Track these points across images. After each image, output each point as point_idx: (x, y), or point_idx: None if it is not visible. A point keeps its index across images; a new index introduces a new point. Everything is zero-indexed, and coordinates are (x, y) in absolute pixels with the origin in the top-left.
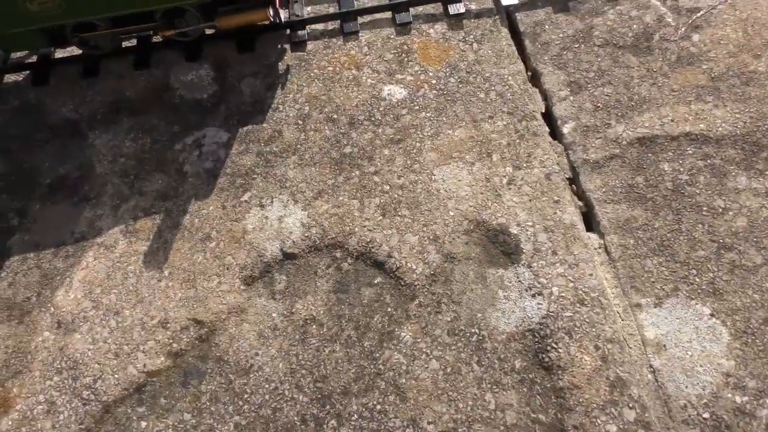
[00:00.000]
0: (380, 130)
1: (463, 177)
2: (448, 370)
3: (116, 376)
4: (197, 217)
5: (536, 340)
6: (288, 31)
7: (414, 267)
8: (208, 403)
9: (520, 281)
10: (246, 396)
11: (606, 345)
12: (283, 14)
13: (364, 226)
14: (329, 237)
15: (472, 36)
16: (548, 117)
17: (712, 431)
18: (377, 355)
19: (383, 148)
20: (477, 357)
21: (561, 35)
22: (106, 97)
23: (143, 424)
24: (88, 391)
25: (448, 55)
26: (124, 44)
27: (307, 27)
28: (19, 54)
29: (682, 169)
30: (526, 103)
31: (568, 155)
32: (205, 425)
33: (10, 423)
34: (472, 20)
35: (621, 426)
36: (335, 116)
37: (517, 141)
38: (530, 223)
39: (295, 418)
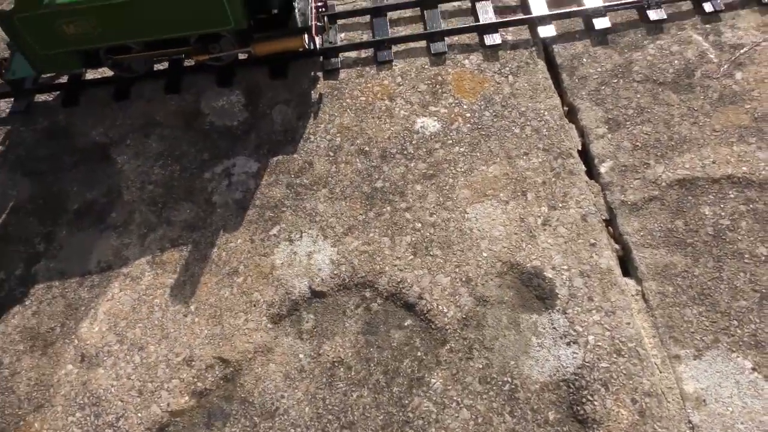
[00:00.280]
0: (413, 165)
1: (496, 216)
2: (479, 420)
3: (139, 414)
4: (225, 250)
5: (571, 391)
6: (321, 58)
7: (445, 310)
8: None
9: (554, 328)
10: None
11: (644, 398)
12: (317, 41)
13: (395, 266)
14: (359, 275)
15: (507, 68)
16: (585, 155)
17: None
18: (406, 401)
19: (415, 184)
20: (509, 407)
21: (599, 69)
22: (136, 121)
23: None
24: (110, 429)
25: (483, 88)
26: (156, 67)
27: (340, 54)
28: (48, 74)
29: (723, 214)
30: (562, 140)
31: (605, 196)
32: None
33: None
34: (508, 51)
35: None
36: (367, 148)
37: (553, 179)
38: (566, 267)
39: None
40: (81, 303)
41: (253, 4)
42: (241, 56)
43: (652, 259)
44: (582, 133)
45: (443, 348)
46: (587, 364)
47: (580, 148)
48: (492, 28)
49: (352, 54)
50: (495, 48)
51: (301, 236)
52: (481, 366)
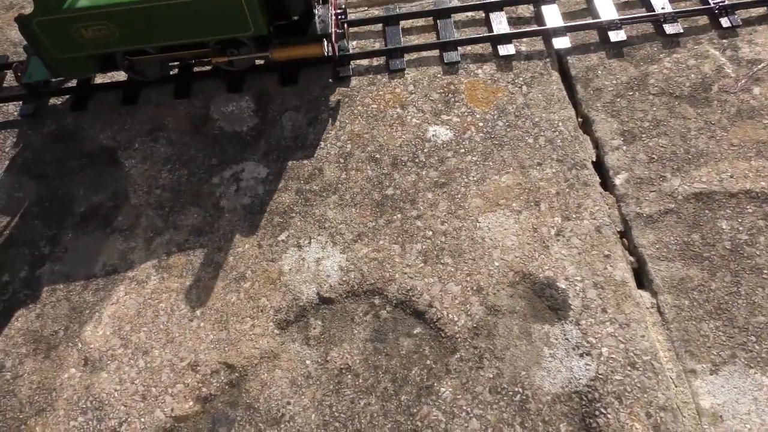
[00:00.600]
0: (424, 173)
1: (509, 226)
2: (489, 430)
3: (142, 420)
4: (232, 255)
5: (583, 403)
6: (335, 65)
7: (456, 318)
8: None
9: (567, 339)
10: None
11: (658, 413)
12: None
13: (405, 273)
14: (368, 282)
15: (521, 78)
16: (599, 167)
17: None
18: (414, 410)
19: (427, 192)
20: (520, 418)
21: (614, 82)
22: (145, 126)
23: None
24: None
25: (496, 97)
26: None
27: (352, 62)
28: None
29: (741, 228)
30: (576, 151)
31: (620, 208)
32: None
33: None
34: (522, 62)
35: None
36: (378, 156)
37: (567, 190)
38: (579, 278)
39: None
40: (85, 306)
41: (274, 11)
42: (257, 62)
43: (668, 272)
44: (596, 144)
45: (453, 357)
46: (600, 376)
47: (594, 160)
48: (506, 38)
49: (364, 62)
50: (509, 58)
51: (309, 242)
52: (491, 375)
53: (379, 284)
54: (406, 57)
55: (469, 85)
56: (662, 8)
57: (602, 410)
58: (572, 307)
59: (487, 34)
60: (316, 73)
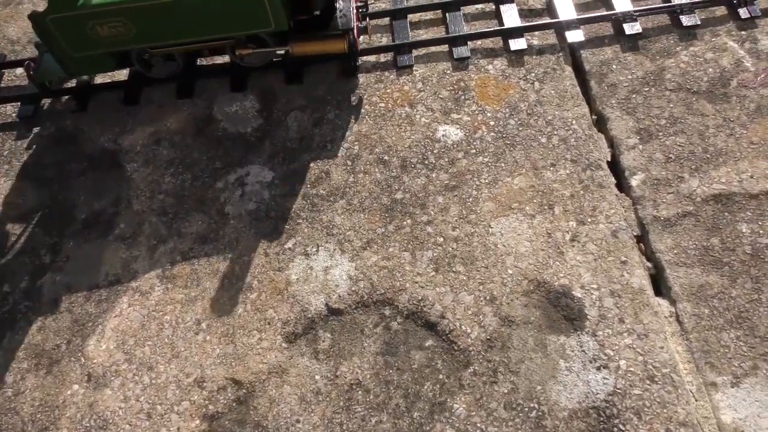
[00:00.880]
0: (434, 175)
1: (522, 231)
2: None
3: None
4: (238, 264)
5: (601, 419)
6: (353, 60)
7: (469, 330)
8: None
9: (583, 351)
10: None
11: (679, 429)
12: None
13: (416, 282)
14: (378, 292)
15: (533, 74)
16: (615, 167)
17: None
18: (427, 428)
19: (437, 195)
20: None
21: (629, 77)
22: (147, 128)
23: None
24: None
25: (507, 94)
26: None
27: (359, 59)
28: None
29: (762, 232)
30: (591, 150)
31: (637, 211)
32: None
33: None
34: (534, 57)
35: None
36: (386, 158)
37: (581, 192)
38: (595, 286)
39: None
40: (88, 319)
41: (295, 5)
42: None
43: (687, 278)
44: (611, 143)
45: (466, 371)
46: (619, 390)
47: (609, 160)
48: (517, 32)
49: (371, 58)
50: (520, 53)
51: (317, 250)
52: (506, 391)
53: (389, 294)
54: (414, 52)
55: (479, 82)
56: None
57: (621, 427)
58: (589, 317)
59: (498, 28)
60: (321, 70)
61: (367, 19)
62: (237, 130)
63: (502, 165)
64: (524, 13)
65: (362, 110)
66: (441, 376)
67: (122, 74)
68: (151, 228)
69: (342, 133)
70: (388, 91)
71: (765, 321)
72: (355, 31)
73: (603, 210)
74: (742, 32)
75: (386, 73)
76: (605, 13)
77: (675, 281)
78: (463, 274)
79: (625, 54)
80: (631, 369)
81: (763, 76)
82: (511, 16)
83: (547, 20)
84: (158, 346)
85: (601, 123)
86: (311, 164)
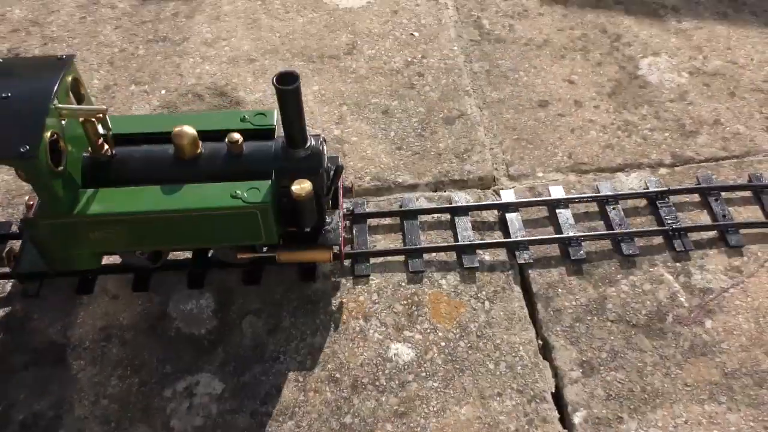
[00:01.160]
0: (384, 399)
1: None
2: None
3: None
4: None
5: None
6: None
7: None
8: None
9: None
10: None
11: None
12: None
13: None
14: None
15: (484, 292)
16: (558, 398)
17: None
18: None
19: (386, 422)
20: None
21: (574, 303)
22: (98, 321)
23: None
24: None
25: (459, 313)
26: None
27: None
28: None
29: None
30: (536, 380)
31: None
32: None
33: None
34: (485, 273)
35: None
36: (338, 375)
37: (526, 427)
38: None
39: None
40: None
41: (287, 222)
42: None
43: None
44: (556, 373)
45: None
46: None
47: (554, 391)
48: (470, 249)
49: (328, 264)
50: (472, 269)
51: None
52: None
53: None
54: (372, 260)
55: (433, 297)
56: (619, 225)
57: None
58: None
59: (452, 243)
60: (279, 273)
61: (352, 228)
62: (191, 331)
63: (451, 392)
64: (477, 225)
65: (317, 320)
66: None
67: None
68: None
69: (296, 344)
70: (344, 300)
71: None
72: (342, 245)
73: None
74: (677, 264)
75: (343, 281)
76: (552, 236)
77: None
78: None
79: (570, 277)
80: None
81: (695, 313)
82: (465, 230)
83: (499, 239)
84: None
85: (546, 350)
86: (263, 377)
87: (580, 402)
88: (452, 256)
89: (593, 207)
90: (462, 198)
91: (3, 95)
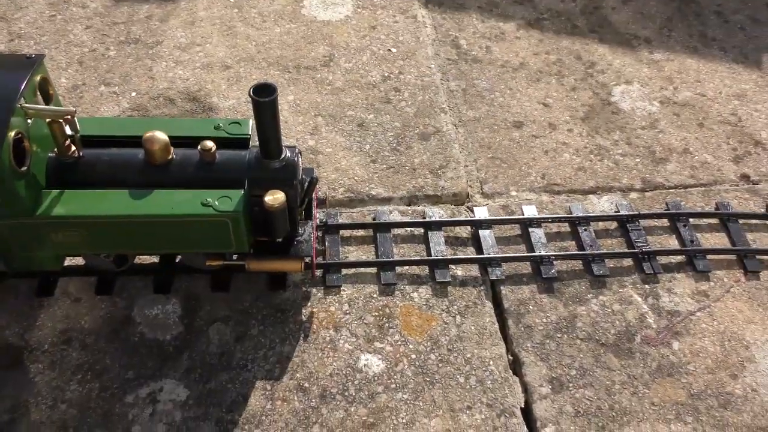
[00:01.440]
0: (353, 409)
1: None
2: None
3: None
4: None
5: None
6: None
7: None
8: None
9: None
10: None
11: None
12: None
13: None
14: None
15: (455, 307)
16: (527, 413)
17: None
18: None
19: None
20: None
21: (545, 320)
22: (58, 324)
23: None
24: None
25: (430, 326)
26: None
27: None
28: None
29: None
30: (506, 395)
31: None
32: None
33: None
34: (457, 288)
35: None
36: (307, 384)
37: None
38: None
39: None
40: None
41: (258, 231)
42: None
43: None
44: (525, 389)
45: None
46: None
47: (523, 406)
48: (443, 264)
49: (299, 274)
50: (444, 284)
51: None
52: None
53: None
54: (344, 271)
55: (404, 310)
56: (590, 246)
57: None
58: None
59: (425, 258)
60: (248, 281)
61: (325, 239)
62: (155, 337)
63: (420, 404)
64: (450, 241)
65: (287, 329)
66: None
67: None
68: None
69: (264, 352)
70: (315, 310)
71: None
72: (314, 256)
73: None
74: (646, 285)
75: (314, 290)
76: (525, 254)
77: None
78: None
79: (541, 295)
80: None
81: (663, 335)
82: (438, 245)
83: (471, 255)
84: None
85: (516, 365)
86: (229, 385)
87: (549, 418)
88: (425, 269)
89: (565, 227)
90: (436, 213)
91: None
